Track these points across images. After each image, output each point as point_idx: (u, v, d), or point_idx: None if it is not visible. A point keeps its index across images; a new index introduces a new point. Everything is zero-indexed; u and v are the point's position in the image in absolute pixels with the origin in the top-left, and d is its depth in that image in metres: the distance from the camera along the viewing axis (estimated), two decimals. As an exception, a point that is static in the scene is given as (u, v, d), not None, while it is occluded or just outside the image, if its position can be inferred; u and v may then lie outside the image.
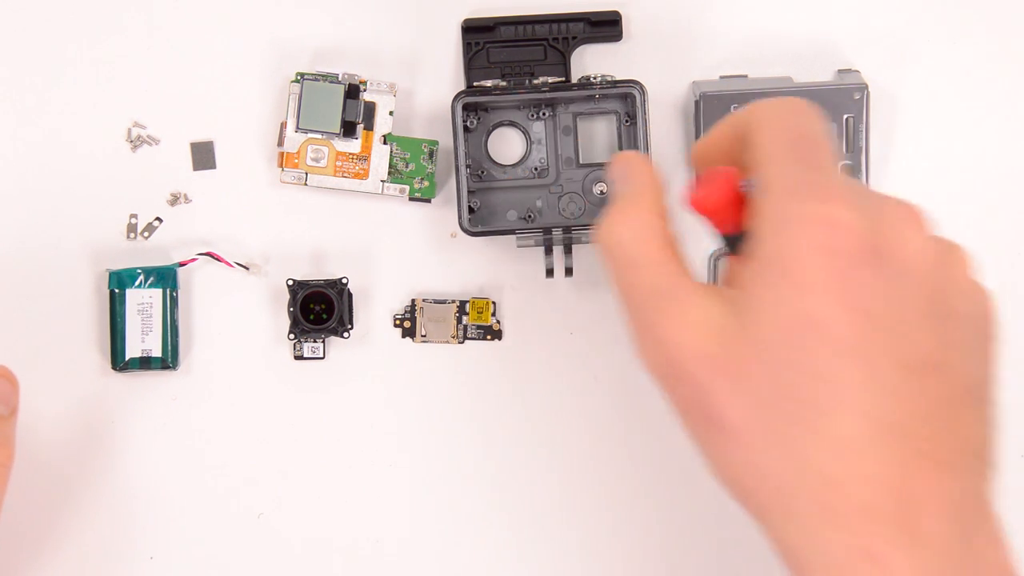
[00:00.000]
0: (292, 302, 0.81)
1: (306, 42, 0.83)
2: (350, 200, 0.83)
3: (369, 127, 0.81)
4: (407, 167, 0.81)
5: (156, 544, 0.83)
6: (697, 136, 0.81)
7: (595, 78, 0.80)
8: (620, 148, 0.82)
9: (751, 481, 0.54)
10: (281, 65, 0.83)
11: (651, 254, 0.58)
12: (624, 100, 0.82)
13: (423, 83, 0.83)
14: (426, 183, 0.82)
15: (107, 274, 0.81)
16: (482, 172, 0.82)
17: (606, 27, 0.82)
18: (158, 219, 0.83)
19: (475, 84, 0.81)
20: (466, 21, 0.82)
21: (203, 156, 0.83)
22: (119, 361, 0.82)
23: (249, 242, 0.83)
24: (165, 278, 0.81)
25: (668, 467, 0.83)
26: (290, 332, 0.81)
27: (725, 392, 0.54)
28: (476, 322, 0.83)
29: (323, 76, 0.81)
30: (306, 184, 0.81)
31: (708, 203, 0.60)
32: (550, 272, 0.81)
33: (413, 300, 0.83)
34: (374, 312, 0.83)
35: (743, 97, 0.81)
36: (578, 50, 0.82)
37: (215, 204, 0.83)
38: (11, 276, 0.82)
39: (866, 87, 0.81)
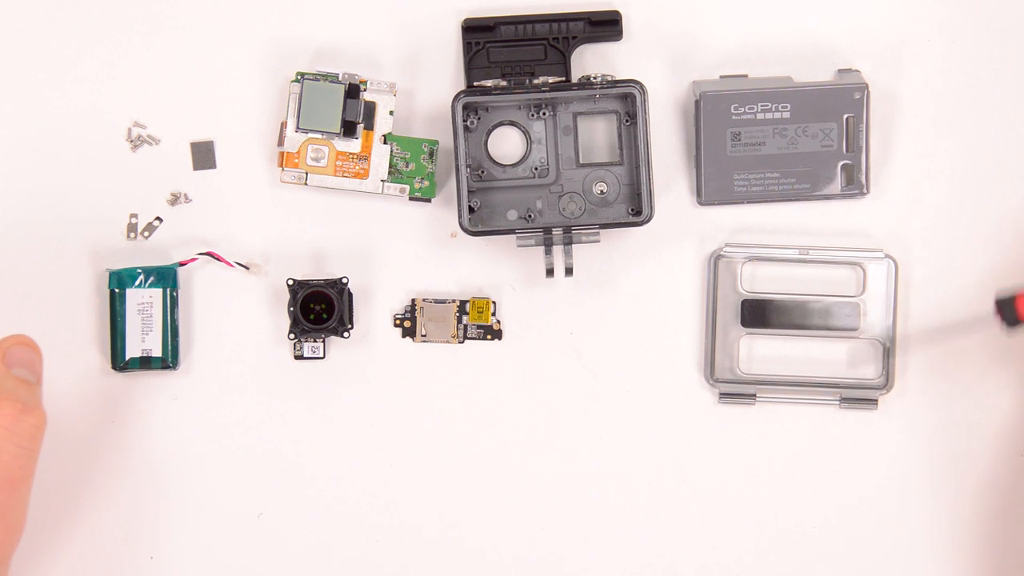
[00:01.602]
0: (292, 302, 0.81)
1: (306, 42, 0.83)
2: (350, 200, 0.83)
3: (369, 127, 0.81)
4: (407, 167, 0.81)
5: (156, 544, 0.83)
6: (697, 135, 0.81)
7: (595, 78, 0.80)
8: (620, 148, 0.82)
9: None
10: (281, 65, 0.83)
11: None
12: (624, 100, 0.82)
13: (423, 83, 0.83)
14: (426, 183, 0.82)
15: (107, 274, 0.81)
16: (482, 172, 0.82)
17: (606, 27, 0.82)
18: (158, 219, 0.83)
19: (475, 84, 0.81)
20: (466, 21, 0.82)
21: (203, 156, 0.83)
22: (119, 361, 0.81)
23: (249, 242, 0.83)
24: (165, 278, 0.81)
25: (667, 467, 0.83)
26: (290, 332, 0.81)
27: None
28: (476, 322, 0.83)
29: (323, 76, 0.81)
30: (306, 184, 0.81)
31: None
32: (550, 272, 0.81)
33: (413, 300, 0.83)
34: (374, 312, 0.83)
35: (743, 97, 0.81)
36: (578, 50, 0.82)
37: (215, 204, 0.83)
38: (11, 276, 0.82)
39: (866, 87, 0.81)
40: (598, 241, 0.81)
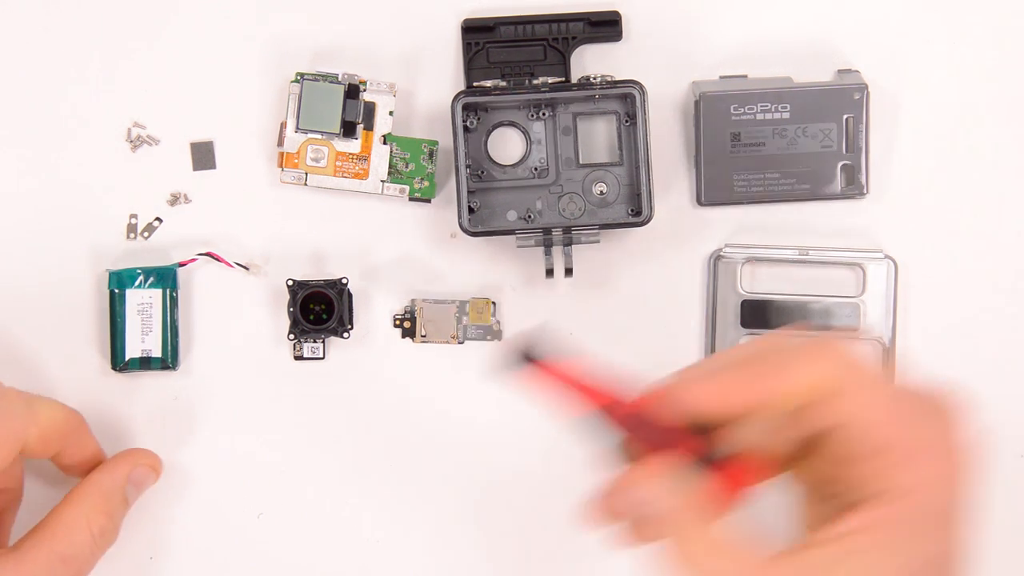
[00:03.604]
0: (292, 302, 0.81)
1: (306, 42, 0.83)
2: (350, 200, 0.83)
3: (369, 127, 0.81)
4: (407, 167, 0.81)
5: (156, 544, 0.83)
6: (697, 136, 0.81)
7: (595, 78, 0.80)
8: (620, 148, 0.82)
9: None
10: (281, 65, 0.83)
11: None
12: (624, 100, 0.82)
13: (423, 83, 0.83)
14: (426, 183, 0.82)
15: (107, 274, 0.82)
16: (482, 172, 0.82)
17: (606, 27, 0.82)
18: (158, 219, 0.83)
19: (475, 84, 0.81)
20: (466, 21, 0.82)
21: (203, 156, 0.83)
22: (119, 361, 0.82)
23: (249, 242, 0.83)
24: (165, 278, 0.81)
25: (668, 467, 0.83)
26: (290, 332, 0.81)
27: None
28: (476, 322, 0.83)
29: (323, 76, 0.81)
30: (306, 184, 0.81)
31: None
32: (550, 272, 0.81)
33: (413, 300, 0.83)
34: (374, 312, 0.83)
35: (743, 97, 0.81)
36: (578, 50, 0.82)
37: (215, 204, 0.83)
38: (12, 276, 0.83)
39: (866, 87, 0.81)
40: (598, 242, 0.81)
